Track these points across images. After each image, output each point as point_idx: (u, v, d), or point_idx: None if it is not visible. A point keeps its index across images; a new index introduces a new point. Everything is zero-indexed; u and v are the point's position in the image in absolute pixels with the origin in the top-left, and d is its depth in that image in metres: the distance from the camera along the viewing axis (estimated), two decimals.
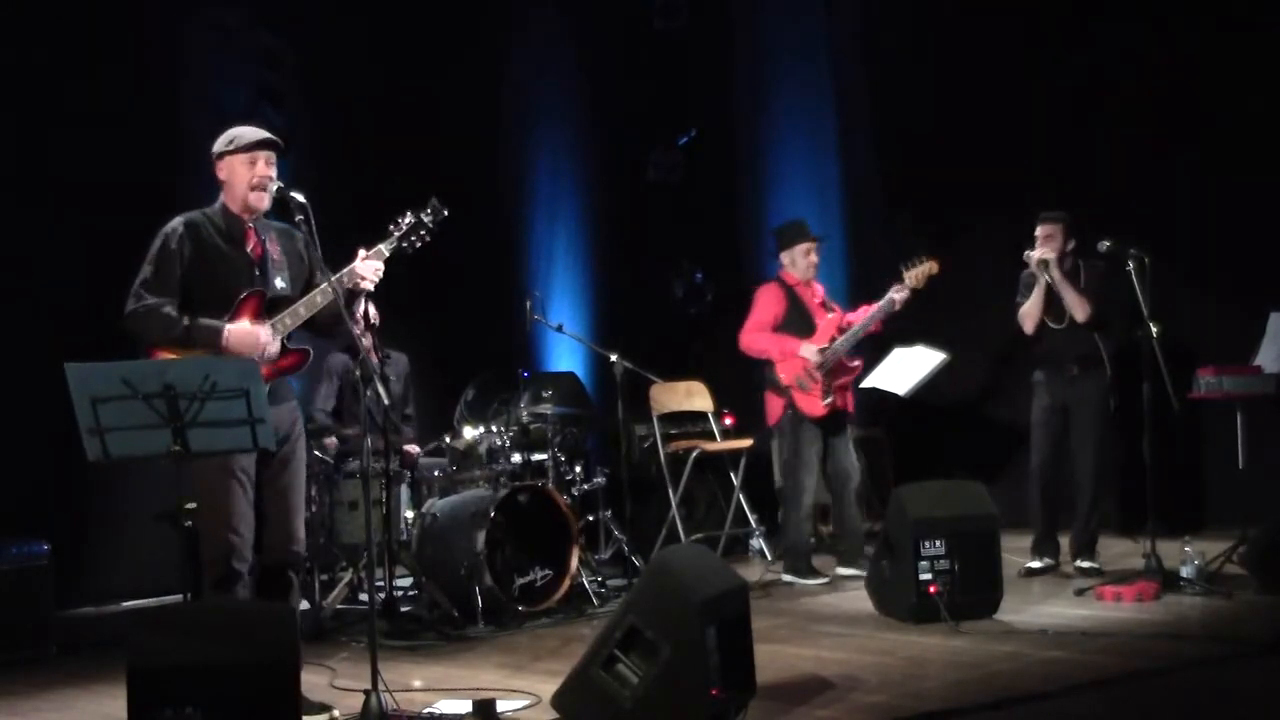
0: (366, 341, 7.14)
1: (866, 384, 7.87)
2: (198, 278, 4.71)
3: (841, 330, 6.99)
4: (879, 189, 9.37)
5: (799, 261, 7.12)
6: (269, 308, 4.74)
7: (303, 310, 4.75)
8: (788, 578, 7.14)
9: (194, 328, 4.61)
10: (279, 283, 4.82)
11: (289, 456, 4.82)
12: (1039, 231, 6.83)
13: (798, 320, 7.06)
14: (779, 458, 7.26)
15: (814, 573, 7.11)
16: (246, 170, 4.75)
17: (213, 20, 8.01)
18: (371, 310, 7.18)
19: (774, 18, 9.70)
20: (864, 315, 6.98)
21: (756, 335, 7.11)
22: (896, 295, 6.88)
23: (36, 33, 7.27)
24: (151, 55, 7.73)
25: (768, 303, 7.13)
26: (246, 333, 4.65)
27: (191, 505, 4.29)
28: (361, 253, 4.83)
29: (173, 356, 4.56)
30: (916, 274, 6.88)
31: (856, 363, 7.11)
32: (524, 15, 9.54)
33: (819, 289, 7.20)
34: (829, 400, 6.96)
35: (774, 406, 7.14)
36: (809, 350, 6.95)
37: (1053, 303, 6.81)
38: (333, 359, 7.17)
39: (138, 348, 4.68)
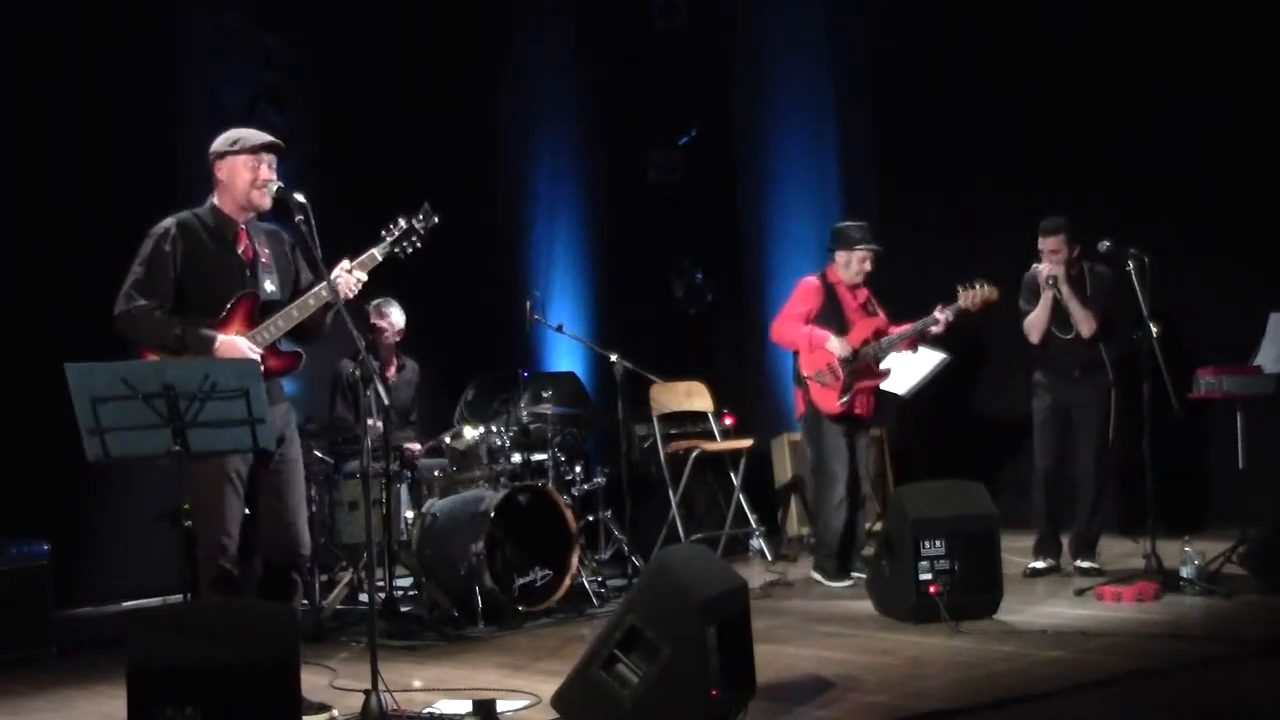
0: (388, 343, 7.23)
1: None
2: (189, 279, 4.68)
3: (878, 336, 6.93)
4: (879, 189, 9.37)
5: (853, 265, 6.99)
6: (261, 311, 4.72)
7: (295, 313, 4.73)
8: (815, 575, 7.08)
9: (187, 335, 4.59)
10: (268, 285, 4.80)
11: (285, 458, 4.81)
12: (1043, 245, 6.79)
13: (831, 318, 6.97)
14: (806, 450, 7.21)
15: (840, 574, 6.99)
16: (249, 172, 4.72)
17: (213, 20, 8.01)
18: (400, 319, 7.23)
19: (774, 18, 9.70)
20: (903, 328, 6.93)
21: (789, 325, 7.03)
22: (940, 315, 6.80)
23: (37, 32, 7.27)
24: (152, 55, 7.73)
25: (804, 296, 7.06)
26: (234, 348, 4.61)
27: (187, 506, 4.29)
28: (345, 263, 4.78)
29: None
30: (973, 296, 6.74)
31: (885, 369, 7.02)
32: (524, 16, 9.53)
33: (864, 292, 7.08)
34: (845, 400, 6.90)
35: (800, 399, 7.11)
36: (836, 345, 6.87)
37: (1059, 313, 6.80)
38: (345, 362, 7.15)
39: (129, 349, 4.67)
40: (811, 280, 7.11)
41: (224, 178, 4.77)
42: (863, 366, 6.94)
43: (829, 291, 7.04)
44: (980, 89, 8.59)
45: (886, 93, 9.30)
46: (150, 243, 4.70)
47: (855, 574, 6.99)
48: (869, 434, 7.18)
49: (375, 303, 7.15)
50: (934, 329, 6.90)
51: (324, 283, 4.66)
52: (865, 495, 7.19)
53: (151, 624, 4.06)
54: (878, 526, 7.21)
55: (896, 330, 6.97)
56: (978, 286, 6.73)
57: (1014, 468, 7.36)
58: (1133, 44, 7.96)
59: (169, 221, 4.74)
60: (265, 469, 4.74)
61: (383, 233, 4.90)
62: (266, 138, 4.80)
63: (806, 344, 6.97)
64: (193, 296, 4.68)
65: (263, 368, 4.62)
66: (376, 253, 4.85)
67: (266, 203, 4.75)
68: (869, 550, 7.00)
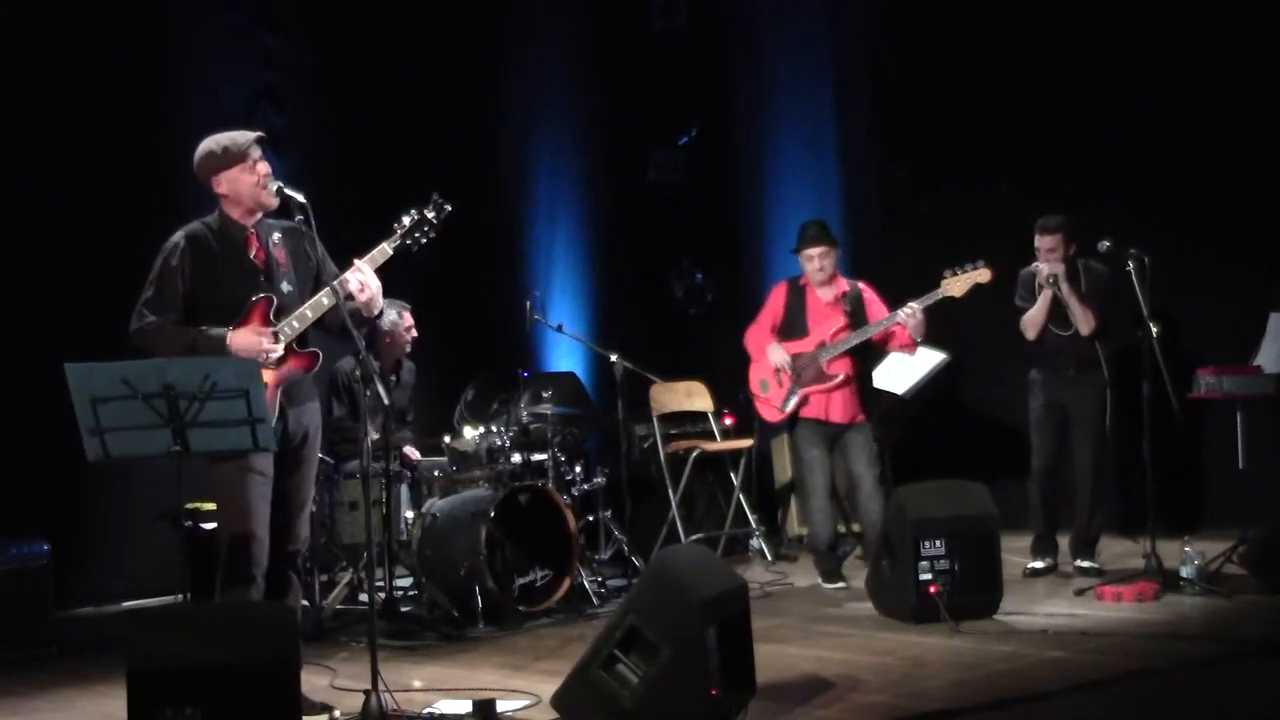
0: (407, 344, 7.22)
1: None
2: (203, 289, 4.68)
3: (835, 337, 6.81)
4: (878, 189, 9.36)
5: (807, 266, 6.91)
6: (276, 313, 4.69)
7: (309, 313, 4.70)
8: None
9: (199, 341, 4.58)
10: (285, 286, 4.77)
11: (304, 458, 4.82)
12: (1041, 243, 6.76)
13: (794, 322, 6.94)
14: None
15: (831, 576, 6.96)
16: (249, 175, 4.70)
17: (213, 20, 8.01)
18: (409, 319, 7.22)
19: (773, 18, 9.70)
20: (865, 328, 6.77)
21: (750, 333, 7.04)
22: (904, 312, 6.56)
23: (37, 32, 7.27)
24: (152, 55, 7.73)
25: (770, 303, 7.06)
26: (248, 337, 4.60)
27: (209, 506, 4.26)
28: (357, 263, 4.74)
29: None
30: (960, 281, 6.52)
31: (834, 372, 6.80)
32: (524, 15, 9.54)
33: (837, 290, 6.88)
34: (788, 407, 6.85)
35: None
36: (773, 354, 6.86)
37: (1057, 311, 6.79)
38: (342, 363, 7.12)
39: (132, 351, 4.66)
40: (779, 286, 7.09)
41: (226, 191, 4.73)
42: (812, 372, 6.84)
43: (796, 294, 6.98)
44: (980, 89, 8.58)
45: (886, 93, 9.29)
46: (160, 260, 4.70)
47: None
48: (859, 435, 6.88)
49: (399, 305, 7.14)
50: (902, 325, 6.61)
51: (335, 282, 4.65)
52: (870, 495, 6.88)
53: (151, 624, 4.07)
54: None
55: (851, 331, 6.79)
56: (963, 270, 6.52)
57: (1014, 468, 7.35)
58: (1133, 43, 7.96)
59: (178, 235, 4.73)
60: (283, 466, 4.73)
61: (394, 225, 4.84)
62: (249, 135, 4.76)
63: (755, 353, 6.99)
64: (208, 305, 4.67)
65: (278, 368, 4.63)
66: (387, 246, 4.79)
67: (274, 201, 4.73)
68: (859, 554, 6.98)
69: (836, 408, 6.88)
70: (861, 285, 7.03)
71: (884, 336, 6.83)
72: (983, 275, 6.54)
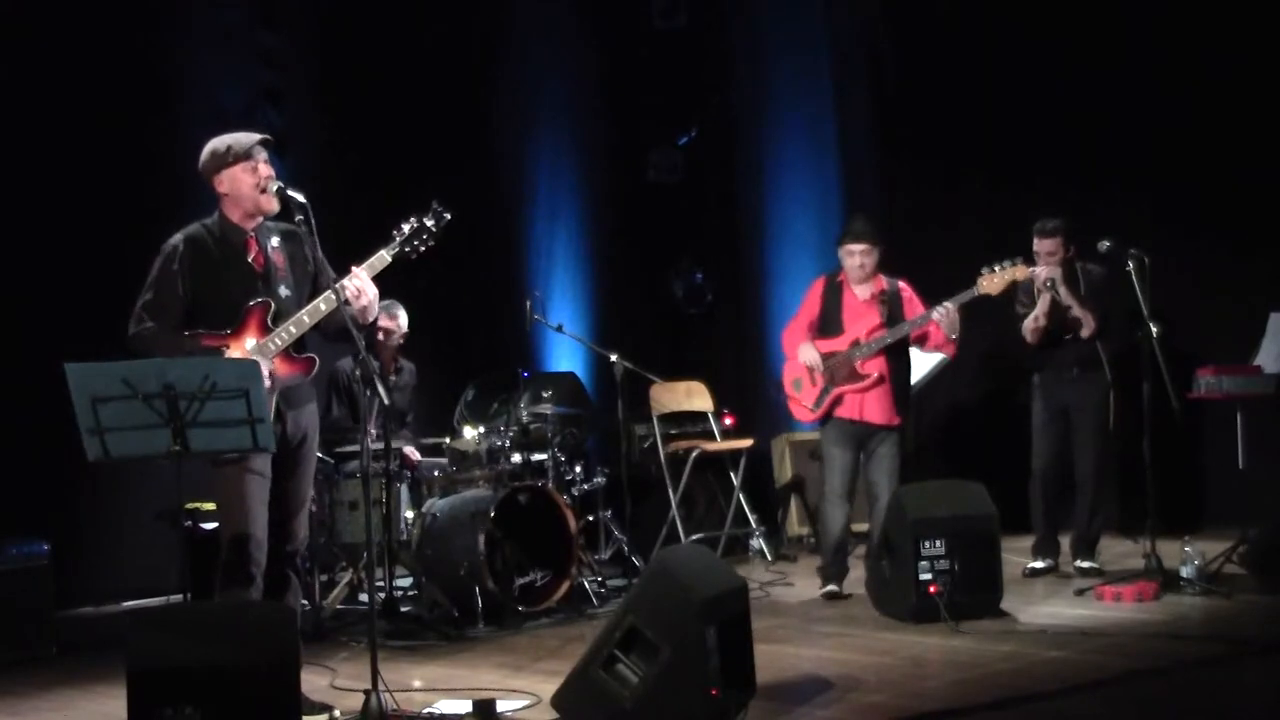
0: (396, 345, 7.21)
1: None
2: (202, 292, 4.68)
3: (870, 335, 6.64)
4: (879, 188, 9.36)
5: (846, 260, 6.71)
6: (274, 317, 4.69)
7: (306, 319, 4.68)
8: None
9: (195, 353, 4.57)
10: (284, 290, 4.76)
11: (302, 459, 4.82)
12: (1040, 246, 6.74)
13: (830, 319, 6.77)
14: None
15: (828, 579, 6.80)
16: (250, 176, 4.69)
17: (213, 20, 8.01)
18: (406, 322, 7.21)
19: (774, 17, 9.71)
20: (898, 327, 6.61)
21: (788, 331, 6.88)
22: (938, 311, 6.43)
23: (36, 33, 7.27)
24: (152, 55, 7.73)
25: (807, 299, 6.88)
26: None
27: (209, 506, 4.25)
28: (355, 270, 4.72)
29: None
30: (996, 279, 6.40)
31: (868, 371, 6.65)
32: (524, 15, 9.54)
33: (876, 288, 6.69)
34: (818, 407, 6.72)
35: None
36: (805, 353, 6.71)
37: (1056, 313, 6.78)
38: (342, 364, 7.11)
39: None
40: (816, 282, 6.93)
41: (226, 190, 4.73)
42: (845, 371, 6.70)
43: (833, 290, 6.82)
44: (980, 88, 8.59)
45: (886, 92, 9.30)
46: (159, 262, 4.70)
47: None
48: (885, 445, 6.67)
49: (384, 304, 7.11)
50: (932, 326, 6.53)
51: (335, 285, 4.64)
52: (883, 507, 6.57)
53: (151, 624, 4.07)
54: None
55: (887, 330, 6.67)
56: (1001, 267, 6.39)
57: (1014, 468, 7.36)
58: (1133, 43, 7.97)
59: (177, 238, 4.72)
60: (282, 467, 4.73)
61: (394, 232, 4.82)
62: (254, 136, 4.76)
63: (789, 352, 6.87)
64: (206, 308, 4.67)
65: (275, 373, 4.62)
66: (385, 253, 4.77)
67: (274, 205, 4.72)
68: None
69: (872, 408, 6.66)
70: (901, 284, 6.80)
71: (920, 335, 6.70)
72: (1020, 271, 6.44)
